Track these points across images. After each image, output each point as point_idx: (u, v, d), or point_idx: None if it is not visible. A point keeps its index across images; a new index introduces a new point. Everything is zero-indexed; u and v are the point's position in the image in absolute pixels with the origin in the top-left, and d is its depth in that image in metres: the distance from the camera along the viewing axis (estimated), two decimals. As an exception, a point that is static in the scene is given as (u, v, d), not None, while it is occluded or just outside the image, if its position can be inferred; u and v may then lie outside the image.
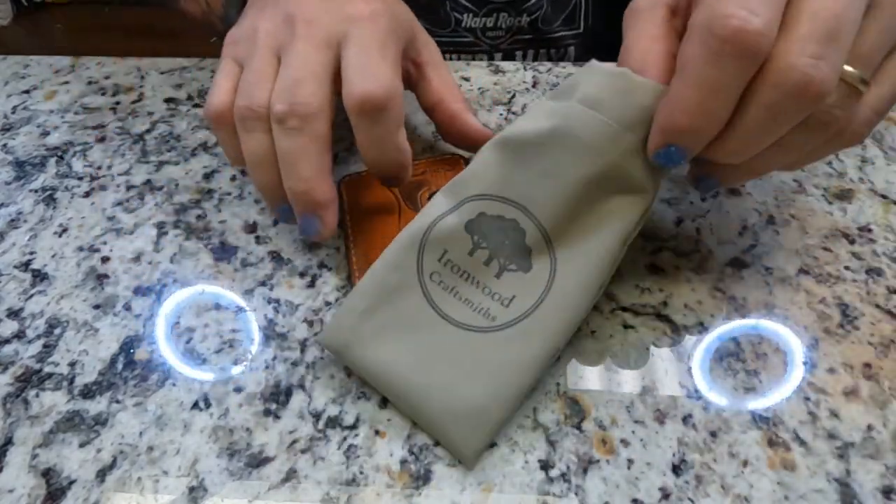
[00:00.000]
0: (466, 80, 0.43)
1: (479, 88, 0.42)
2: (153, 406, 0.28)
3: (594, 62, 0.26)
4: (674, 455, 0.26)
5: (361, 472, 0.25)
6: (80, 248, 0.34)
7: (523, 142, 0.27)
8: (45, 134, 0.41)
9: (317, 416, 0.27)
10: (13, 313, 0.31)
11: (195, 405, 0.28)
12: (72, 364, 0.29)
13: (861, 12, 0.22)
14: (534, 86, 0.42)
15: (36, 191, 0.37)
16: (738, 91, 0.22)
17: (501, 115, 0.40)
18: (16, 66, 0.46)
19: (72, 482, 0.25)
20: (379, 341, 0.27)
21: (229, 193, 0.37)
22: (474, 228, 0.27)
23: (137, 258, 0.33)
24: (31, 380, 0.29)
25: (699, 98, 0.22)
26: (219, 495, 0.25)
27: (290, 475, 0.25)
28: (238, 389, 0.28)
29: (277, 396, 0.28)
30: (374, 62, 0.29)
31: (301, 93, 0.28)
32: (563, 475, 0.25)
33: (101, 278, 0.33)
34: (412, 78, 0.35)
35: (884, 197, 0.35)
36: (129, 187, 0.37)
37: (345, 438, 0.26)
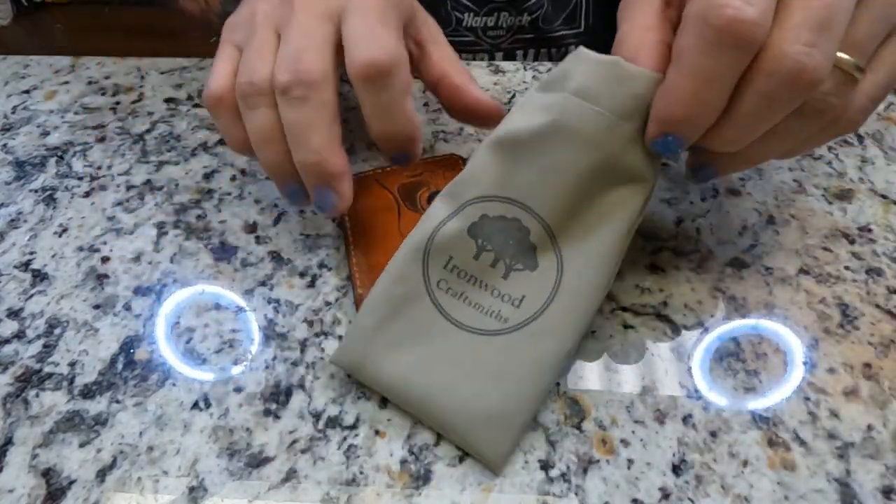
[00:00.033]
0: (466, 79, 0.43)
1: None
2: (153, 406, 0.28)
3: (583, 49, 0.26)
4: (674, 455, 0.26)
5: (361, 472, 0.25)
6: (80, 248, 0.34)
7: (520, 139, 0.26)
8: (45, 134, 0.41)
9: (317, 416, 0.27)
10: (13, 313, 0.31)
11: (195, 405, 0.28)
12: (72, 364, 0.29)
13: (853, 2, 0.22)
14: (534, 86, 0.42)
15: (36, 191, 0.37)
16: (733, 80, 0.22)
17: (501, 114, 0.40)
18: (16, 66, 0.46)
19: (72, 482, 0.25)
20: (393, 355, 0.27)
21: (229, 193, 0.37)
22: (477, 231, 0.27)
23: (137, 258, 0.33)
24: (31, 380, 0.29)
25: (695, 88, 0.23)
26: (219, 495, 0.25)
27: (290, 475, 0.25)
28: (238, 389, 0.28)
29: (277, 396, 0.28)
30: (377, 29, 0.28)
31: (304, 60, 0.27)
32: (563, 475, 0.25)
33: (101, 278, 0.33)
34: (414, 56, 0.34)
35: (884, 197, 0.35)
36: (129, 187, 0.37)
37: (345, 438, 0.26)
